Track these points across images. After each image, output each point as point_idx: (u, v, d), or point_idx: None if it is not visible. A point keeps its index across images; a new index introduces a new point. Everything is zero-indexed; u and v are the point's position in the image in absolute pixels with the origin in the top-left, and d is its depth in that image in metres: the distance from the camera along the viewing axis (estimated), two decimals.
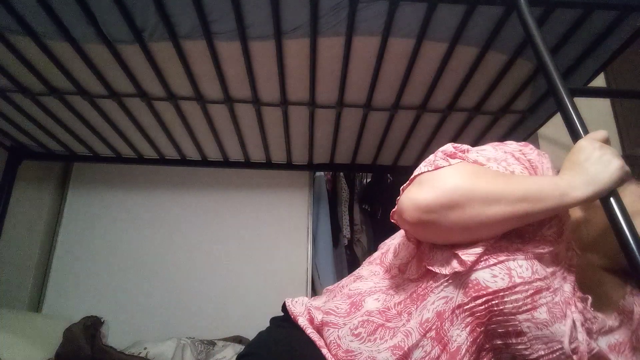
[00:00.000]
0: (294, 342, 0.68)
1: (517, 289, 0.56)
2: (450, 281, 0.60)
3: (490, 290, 0.57)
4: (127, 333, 1.76)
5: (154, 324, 1.87)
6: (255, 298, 1.94)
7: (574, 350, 0.57)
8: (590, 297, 0.61)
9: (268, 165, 1.94)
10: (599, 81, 1.63)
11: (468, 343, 0.58)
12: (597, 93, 1.25)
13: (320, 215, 2.13)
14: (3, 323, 1.50)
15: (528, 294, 0.57)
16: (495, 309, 0.57)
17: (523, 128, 1.60)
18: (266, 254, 2.02)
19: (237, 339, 1.75)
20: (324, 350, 0.64)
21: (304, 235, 2.05)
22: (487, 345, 0.60)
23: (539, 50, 0.81)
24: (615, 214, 0.58)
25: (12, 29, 1.13)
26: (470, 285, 0.58)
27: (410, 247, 0.68)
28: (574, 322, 0.58)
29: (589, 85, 1.34)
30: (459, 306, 0.59)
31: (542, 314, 0.57)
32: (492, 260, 0.58)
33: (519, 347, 0.58)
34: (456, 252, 0.59)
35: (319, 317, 0.69)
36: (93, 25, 1.10)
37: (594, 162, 0.59)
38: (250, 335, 1.76)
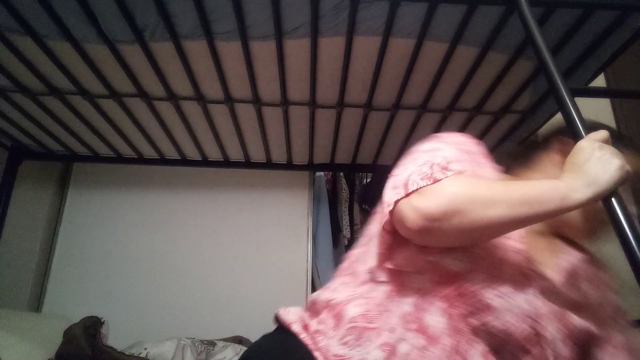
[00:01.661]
0: (289, 346, 0.70)
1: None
2: (419, 274, 0.65)
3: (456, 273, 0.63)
4: (127, 333, 1.75)
5: (154, 324, 1.87)
6: (255, 298, 1.94)
7: (539, 316, 0.64)
8: (542, 263, 0.68)
9: (268, 165, 1.94)
10: (599, 81, 1.63)
11: (447, 328, 0.62)
12: (597, 93, 1.25)
13: (320, 215, 2.13)
14: (3, 323, 1.49)
15: (492, 270, 0.63)
16: (464, 290, 0.62)
17: (523, 128, 1.60)
18: (266, 254, 2.02)
19: (237, 339, 1.75)
20: (317, 353, 0.65)
21: (304, 236, 2.05)
22: (466, 327, 0.63)
23: (540, 50, 0.81)
24: (616, 215, 0.58)
25: (12, 28, 1.13)
26: (438, 272, 0.64)
27: (378, 252, 0.71)
28: (537, 289, 0.65)
29: (590, 85, 1.34)
30: (432, 295, 0.63)
31: (506, 287, 0.63)
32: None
33: (493, 322, 0.62)
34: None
35: (313, 325, 0.71)
36: (93, 25, 1.10)
37: (594, 163, 0.59)
38: (251, 335, 1.77)
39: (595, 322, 0.72)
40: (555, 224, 0.76)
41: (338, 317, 0.68)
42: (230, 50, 1.20)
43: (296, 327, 0.71)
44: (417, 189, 0.61)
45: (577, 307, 0.71)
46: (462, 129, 1.57)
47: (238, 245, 2.02)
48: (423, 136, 1.76)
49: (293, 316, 0.75)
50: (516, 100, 1.41)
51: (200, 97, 1.41)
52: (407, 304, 0.64)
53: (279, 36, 1.13)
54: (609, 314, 0.78)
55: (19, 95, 1.42)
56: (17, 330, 1.49)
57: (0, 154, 1.82)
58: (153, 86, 1.37)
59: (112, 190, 2.07)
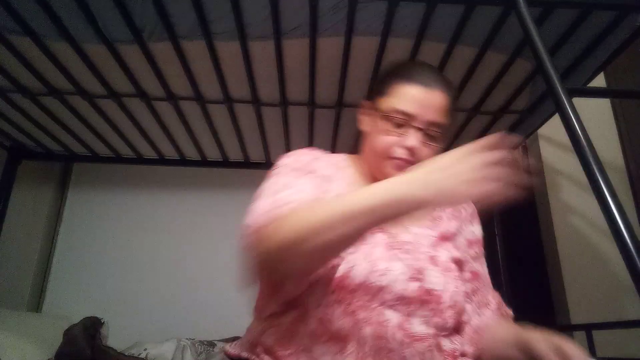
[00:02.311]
0: None
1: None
2: (309, 293, 0.73)
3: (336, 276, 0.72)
4: (127, 334, 1.75)
5: (154, 325, 1.87)
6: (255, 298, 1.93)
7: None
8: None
9: (268, 165, 1.93)
10: (599, 81, 1.63)
11: (346, 322, 0.70)
12: (596, 93, 1.26)
13: None
14: (3, 323, 1.50)
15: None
16: (340, 284, 0.72)
17: (522, 128, 1.60)
18: None
19: (238, 340, 1.75)
20: None
21: None
22: (356, 315, 0.71)
23: (538, 51, 0.81)
24: (615, 219, 0.58)
25: (12, 29, 1.13)
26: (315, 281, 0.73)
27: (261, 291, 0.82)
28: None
29: (589, 85, 1.34)
30: (325, 306, 0.71)
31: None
32: None
33: (361, 302, 0.71)
34: None
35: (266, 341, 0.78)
36: (92, 25, 1.10)
37: (446, 171, 0.57)
38: None
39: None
40: None
41: (264, 350, 0.76)
42: (229, 50, 1.20)
43: (245, 354, 0.80)
44: (253, 236, 0.70)
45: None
46: (462, 128, 1.57)
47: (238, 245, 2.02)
48: None
49: (237, 348, 0.85)
50: (515, 100, 1.40)
51: (199, 97, 1.41)
52: (311, 322, 0.72)
53: (278, 36, 1.13)
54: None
55: (18, 96, 1.43)
56: (17, 330, 1.49)
57: (0, 154, 1.82)
58: (152, 86, 1.37)
59: (112, 190, 2.07)
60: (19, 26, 1.11)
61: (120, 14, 1.06)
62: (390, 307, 0.72)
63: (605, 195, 0.62)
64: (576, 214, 1.82)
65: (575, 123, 0.69)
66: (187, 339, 1.63)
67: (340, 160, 0.93)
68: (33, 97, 1.42)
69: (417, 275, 0.75)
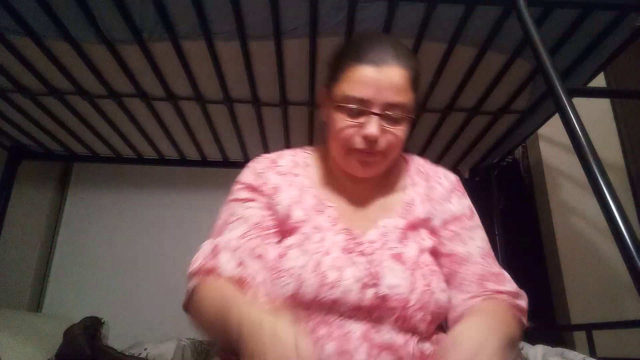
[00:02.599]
0: None
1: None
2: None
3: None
4: (127, 334, 1.75)
5: (154, 325, 1.87)
6: None
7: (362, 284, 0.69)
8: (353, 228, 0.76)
9: None
10: (599, 81, 1.63)
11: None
12: (596, 93, 1.26)
13: None
14: (3, 323, 1.50)
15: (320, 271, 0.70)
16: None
17: (523, 128, 1.59)
18: None
19: None
20: None
21: None
22: (316, 332, 0.67)
23: (538, 51, 0.81)
24: (615, 219, 0.58)
25: (12, 29, 1.13)
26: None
27: None
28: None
29: (589, 85, 1.34)
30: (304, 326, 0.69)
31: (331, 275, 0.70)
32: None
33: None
34: None
35: None
36: (92, 25, 1.10)
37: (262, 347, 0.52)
38: None
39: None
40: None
41: None
42: (229, 50, 1.20)
43: None
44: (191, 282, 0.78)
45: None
46: (462, 128, 1.57)
47: None
48: (422, 136, 1.77)
49: None
50: (515, 100, 1.40)
51: (199, 97, 1.41)
52: None
53: (278, 36, 1.13)
54: None
55: (19, 96, 1.43)
56: (17, 330, 1.49)
57: (0, 154, 1.82)
58: (152, 86, 1.37)
59: (112, 190, 2.07)
60: (19, 26, 1.11)
61: (120, 14, 1.06)
62: (351, 317, 0.68)
63: (605, 195, 0.62)
64: (576, 214, 1.82)
65: (575, 123, 0.69)
66: (187, 338, 1.63)
67: (306, 158, 0.89)
68: (33, 97, 1.42)
69: (372, 280, 0.69)
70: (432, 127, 1.58)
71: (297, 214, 0.77)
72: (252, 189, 0.82)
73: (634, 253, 0.55)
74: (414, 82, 0.75)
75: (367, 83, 0.71)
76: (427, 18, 1.06)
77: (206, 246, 0.79)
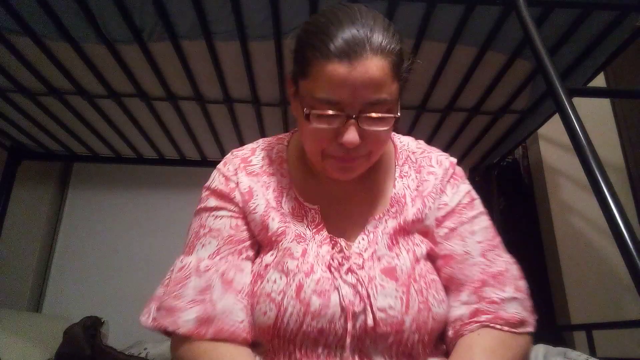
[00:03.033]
0: None
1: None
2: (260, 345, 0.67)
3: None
4: (127, 333, 1.75)
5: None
6: None
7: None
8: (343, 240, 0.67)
9: None
10: (599, 81, 1.63)
11: None
12: (596, 93, 1.26)
13: None
14: (3, 323, 1.50)
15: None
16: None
17: (523, 128, 1.60)
18: None
19: None
20: None
21: None
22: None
23: (538, 51, 0.81)
24: (615, 219, 0.58)
25: (12, 29, 1.13)
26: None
27: None
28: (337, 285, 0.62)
29: (589, 85, 1.34)
30: (270, 357, 0.64)
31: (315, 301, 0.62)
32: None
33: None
34: None
35: None
36: (92, 25, 1.10)
37: None
38: None
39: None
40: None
41: None
42: (229, 50, 1.20)
43: None
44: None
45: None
46: (462, 128, 1.57)
47: None
48: (422, 136, 1.77)
49: None
50: (515, 100, 1.40)
51: (199, 97, 1.41)
52: None
53: (278, 36, 1.13)
54: None
55: (18, 96, 1.43)
56: (17, 330, 1.49)
57: (0, 154, 1.82)
58: (152, 86, 1.37)
59: (112, 190, 2.07)
60: (19, 26, 1.11)
61: (120, 14, 1.06)
62: (340, 347, 0.60)
63: (605, 195, 0.62)
64: (576, 214, 1.82)
65: (575, 123, 0.69)
66: None
67: (280, 152, 0.80)
68: (33, 97, 1.42)
69: (361, 304, 0.61)
70: (433, 127, 1.58)
71: (274, 225, 0.68)
72: (222, 195, 0.73)
73: (634, 253, 0.55)
74: (397, 68, 0.61)
75: (340, 83, 0.58)
76: (427, 18, 1.06)
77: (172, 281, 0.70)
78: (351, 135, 0.60)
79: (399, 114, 0.63)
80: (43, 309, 1.89)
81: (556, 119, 1.21)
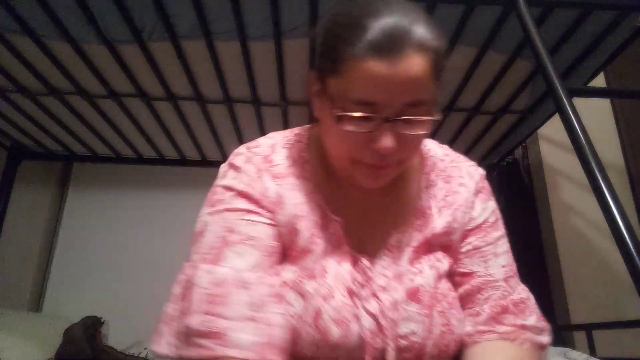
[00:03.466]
0: None
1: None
2: None
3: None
4: (127, 333, 1.75)
5: (154, 324, 1.87)
6: None
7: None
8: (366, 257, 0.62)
9: None
10: (599, 81, 1.63)
11: None
12: (596, 93, 1.26)
13: None
14: (3, 323, 1.50)
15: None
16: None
17: (523, 128, 1.60)
18: None
19: None
20: None
21: None
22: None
23: (538, 51, 0.81)
24: (616, 220, 0.58)
25: (12, 29, 1.13)
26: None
27: None
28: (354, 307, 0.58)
29: (589, 85, 1.34)
30: None
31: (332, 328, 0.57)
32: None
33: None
34: None
35: None
36: (92, 26, 1.10)
37: None
38: None
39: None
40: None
41: None
42: (229, 50, 1.20)
43: None
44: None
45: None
46: (462, 128, 1.57)
47: None
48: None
49: None
50: (515, 100, 1.40)
51: (199, 97, 1.41)
52: None
53: (278, 36, 1.13)
54: None
55: (18, 96, 1.43)
56: (17, 330, 1.49)
57: (0, 154, 1.82)
58: (152, 86, 1.37)
59: (112, 190, 2.07)
60: (19, 26, 1.11)
61: (120, 14, 1.06)
62: None
63: (605, 195, 0.62)
64: (576, 214, 1.82)
65: (575, 123, 0.69)
66: None
67: (301, 150, 0.69)
68: (33, 97, 1.42)
69: (385, 333, 0.57)
70: (433, 127, 1.58)
71: (301, 241, 0.62)
72: (249, 197, 0.63)
73: (634, 253, 0.55)
74: (438, 66, 0.55)
75: (378, 82, 0.52)
76: None
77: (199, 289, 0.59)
78: (387, 140, 0.54)
79: (437, 116, 0.58)
80: (43, 309, 1.90)
81: (556, 119, 1.21)
